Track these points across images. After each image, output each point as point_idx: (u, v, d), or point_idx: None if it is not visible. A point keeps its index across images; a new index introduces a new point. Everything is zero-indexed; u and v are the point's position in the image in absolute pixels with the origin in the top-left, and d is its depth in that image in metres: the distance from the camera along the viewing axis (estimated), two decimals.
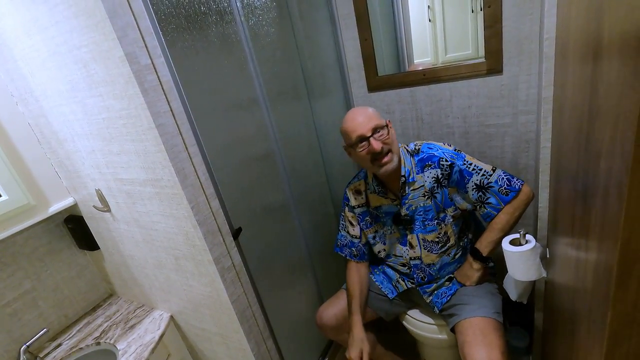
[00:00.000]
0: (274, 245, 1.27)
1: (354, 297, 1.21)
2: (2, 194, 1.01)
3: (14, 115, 1.04)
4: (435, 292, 1.20)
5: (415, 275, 1.21)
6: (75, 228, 1.21)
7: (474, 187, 1.06)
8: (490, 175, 1.04)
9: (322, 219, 1.55)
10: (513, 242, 0.99)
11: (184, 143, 0.84)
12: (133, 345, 1.10)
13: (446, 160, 1.06)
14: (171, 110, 0.81)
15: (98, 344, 1.15)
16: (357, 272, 1.25)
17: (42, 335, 1.12)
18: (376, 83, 1.47)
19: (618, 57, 0.35)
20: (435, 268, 1.17)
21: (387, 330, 1.46)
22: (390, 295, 1.26)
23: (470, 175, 1.05)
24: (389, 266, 1.30)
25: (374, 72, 1.46)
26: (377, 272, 1.32)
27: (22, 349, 1.07)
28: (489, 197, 1.05)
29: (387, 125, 1.03)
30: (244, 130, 1.12)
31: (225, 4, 1.02)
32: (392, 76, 1.45)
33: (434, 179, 1.08)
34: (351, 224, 1.26)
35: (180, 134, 0.83)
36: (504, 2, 1.14)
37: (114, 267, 1.27)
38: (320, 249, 1.49)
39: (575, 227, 0.59)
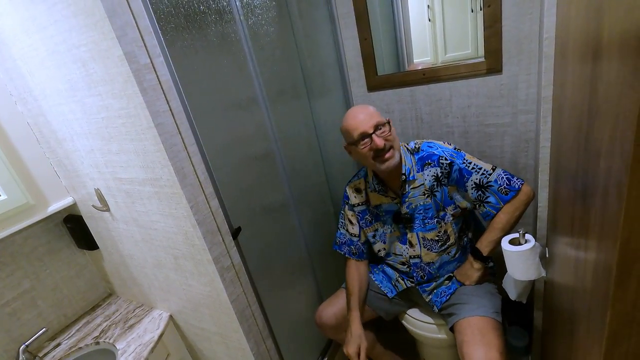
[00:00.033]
0: (274, 245, 1.27)
1: (352, 293, 1.21)
2: (1, 194, 1.00)
3: (13, 115, 1.03)
4: (435, 291, 1.20)
5: (414, 274, 1.21)
6: (75, 227, 1.21)
7: (473, 185, 1.06)
8: (490, 175, 1.04)
9: (322, 219, 1.55)
10: (512, 242, 0.99)
11: (183, 142, 0.84)
12: (132, 344, 1.10)
13: (446, 159, 1.06)
14: (170, 109, 0.81)
15: (97, 343, 1.15)
16: (356, 270, 1.26)
17: (41, 334, 1.12)
18: (376, 82, 1.47)
19: (618, 56, 0.35)
20: (434, 267, 1.18)
21: (387, 329, 1.46)
22: (389, 294, 1.26)
23: (470, 174, 1.05)
24: (389, 265, 1.30)
25: (374, 72, 1.46)
26: (377, 271, 1.32)
27: (21, 348, 1.07)
28: (488, 196, 1.05)
29: (388, 122, 1.03)
30: (244, 129, 1.12)
31: (225, 3, 1.02)
32: (391, 75, 1.45)
33: (433, 177, 1.08)
34: (350, 222, 1.26)
35: (180, 133, 0.83)
36: (504, 2, 1.14)
37: (113, 267, 1.27)
38: (319, 249, 1.49)
39: (574, 227, 0.59)
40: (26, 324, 1.14)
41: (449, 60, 1.41)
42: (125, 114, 0.80)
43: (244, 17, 1.09)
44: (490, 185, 1.04)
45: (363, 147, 1.02)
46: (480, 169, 1.05)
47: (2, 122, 1.01)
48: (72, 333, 1.21)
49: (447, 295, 1.16)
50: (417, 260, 1.19)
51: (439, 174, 1.08)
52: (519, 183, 1.04)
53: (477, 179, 1.05)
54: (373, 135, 1.00)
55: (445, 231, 1.13)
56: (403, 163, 1.08)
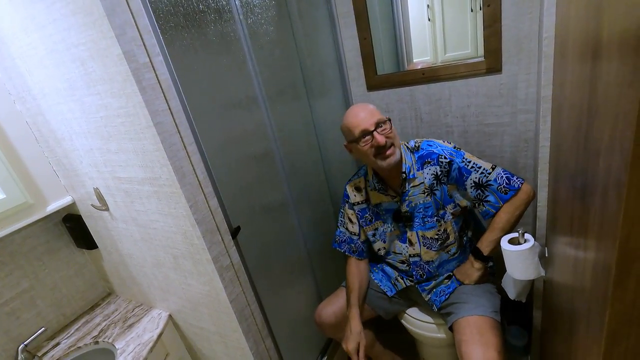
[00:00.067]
0: (273, 244, 1.26)
1: (353, 290, 1.21)
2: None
3: (12, 114, 1.03)
4: (434, 290, 1.20)
5: (414, 273, 1.21)
6: (74, 227, 1.21)
7: (473, 184, 1.06)
8: (489, 174, 1.04)
9: (321, 218, 1.55)
10: (512, 241, 0.99)
11: (182, 141, 0.84)
12: (131, 344, 1.09)
13: (445, 158, 1.06)
14: (169, 108, 0.80)
15: (96, 343, 1.15)
16: (356, 267, 1.26)
17: (40, 334, 1.12)
18: (375, 82, 1.47)
19: (617, 55, 0.35)
20: (434, 265, 1.18)
21: (386, 329, 1.46)
22: (389, 293, 1.26)
23: (469, 173, 1.05)
24: (388, 264, 1.30)
25: (373, 71, 1.46)
26: (376, 270, 1.32)
27: (20, 348, 1.07)
28: (488, 195, 1.05)
29: (389, 120, 1.03)
30: (243, 128, 1.12)
31: (224, 2, 1.02)
32: (391, 75, 1.45)
33: (433, 175, 1.08)
34: (350, 221, 1.26)
35: (179, 132, 0.83)
36: (503, 1, 1.14)
37: (113, 266, 1.27)
38: (319, 248, 1.49)
39: (573, 226, 0.59)
40: (25, 324, 1.14)
41: (448, 59, 1.41)
42: (124, 113, 0.80)
43: (244, 16, 1.09)
44: (490, 185, 1.04)
45: (364, 144, 1.02)
46: (479, 168, 1.05)
47: (1, 121, 1.01)
48: (71, 332, 1.20)
49: (446, 295, 1.16)
50: (416, 258, 1.19)
51: (439, 173, 1.08)
52: (518, 182, 1.04)
53: (476, 177, 1.05)
54: (374, 133, 1.01)
55: (445, 230, 1.13)
56: (403, 161, 1.08)
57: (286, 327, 1.30)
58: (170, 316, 1.21)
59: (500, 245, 1.01)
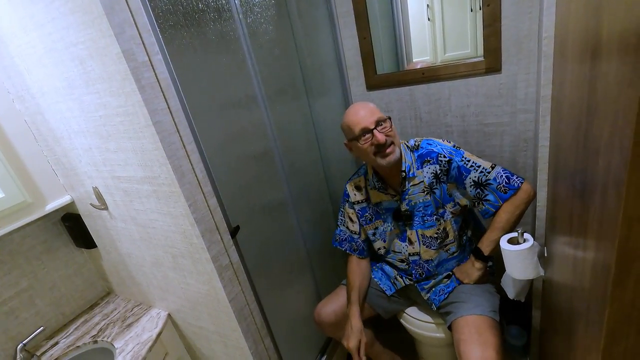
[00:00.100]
0: (272, 244, 1.26)
1: (353, 288, 1.21)
2: None
3: (11, 113, 1.03)
4: (433, 289, 1.20)
5: (413, 272, 1.21)
6: (73, 226, 1.20)
7: (472, 183, 1.06)
8: (489, 173, 1.04)
9: (321, 217, 1.55)
10: (511, 241, 0.99)
11: (182, 141, 0.84)
12: (130, 343, 1.09)
13: (444, 157, 1.06)
14: (168, 107, 0.80)
15: (95, 342, 1.15)
16: (357, 265, 1.26)
17: (39, 333, 1.12)
18: (375, 81, 1.47)
19: (617, 54, 0.35)
20: (433, 264, 1.18)
21: (385, 328, 1.46)
22: (388, 292, 1.26)
23: (468, 172, 1.05)
24: (387, 263, 1.30)
25: (373, 71, 1.45)
26: (376, 269, 1.32)
27: (18, 347, 1.07)
28: (487, 194, 1.05)
29: (389, 118, 1.04)
30: (242, 128, 1.12)
31: (224, 1, 1.01)
32: (390, 75, 1.45)
33: (432, 174, 1.09)
34: (351, 220, 1.26)
35: (178, 131, 0.83)
36: (503, 1, 1.14)
37: (112, 265, 1.27)
38: (318, 247, 1.49)
39: (573, 226, 0.59)
40: (24, 323, 1.14)
41: (448, 59, 1.41)
42: (123, 112, 0.80)
43: (243, 15, 1.09)
44: (489, 184, 1.04)
45: (364, 142, 1.03)
46: (479, 166, 1.05)
47: (0, 120, 1.01)
48: (70, 332, 1.20)
49: (445, 294, 1.16)
50: (416, 257, 1.19)
51: (438, 172, 1.08)
52: (518, 181, 1.04)
53: (475, 176, 1.05)
54: (374, 131, 1.01)
55: (444, 228, 1.13)
56: (403, 160, 1.09)
57: (285, 326, 1.30)
58: (169, 315, 1.21)
59: (499, 245, 1.01)
